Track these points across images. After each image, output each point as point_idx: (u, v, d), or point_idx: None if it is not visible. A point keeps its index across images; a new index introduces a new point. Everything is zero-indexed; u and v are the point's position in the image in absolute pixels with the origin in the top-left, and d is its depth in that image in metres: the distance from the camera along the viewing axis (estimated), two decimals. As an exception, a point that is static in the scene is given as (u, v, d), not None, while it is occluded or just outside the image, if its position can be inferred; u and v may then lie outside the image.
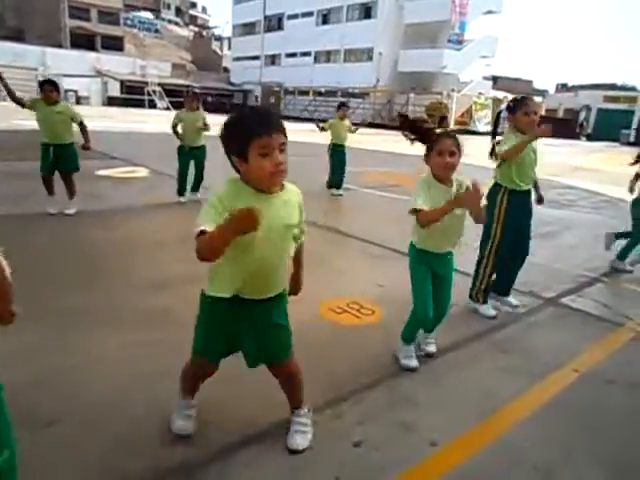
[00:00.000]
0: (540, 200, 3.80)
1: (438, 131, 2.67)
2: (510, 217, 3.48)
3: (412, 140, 2.66)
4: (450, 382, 2.67)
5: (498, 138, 3.54)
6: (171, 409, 2.15)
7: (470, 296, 3.70)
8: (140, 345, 2.76)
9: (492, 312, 3.60)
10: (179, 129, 6.55)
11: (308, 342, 2.96)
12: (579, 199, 9.21)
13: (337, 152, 7.96)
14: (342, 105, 8.09)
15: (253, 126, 1.64)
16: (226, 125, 1.72)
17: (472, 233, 5.66)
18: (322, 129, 8.04)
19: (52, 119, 5.37)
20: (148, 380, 2.43)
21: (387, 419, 2.29)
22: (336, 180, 8.01)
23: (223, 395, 2.35)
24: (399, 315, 3.16)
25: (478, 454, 2.11)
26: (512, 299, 3.78)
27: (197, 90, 42.59)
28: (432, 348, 2.94)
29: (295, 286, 2.19)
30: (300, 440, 2.05)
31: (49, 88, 5.37)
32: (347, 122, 7.98)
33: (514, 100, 3.50)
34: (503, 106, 3.72)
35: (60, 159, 5.52)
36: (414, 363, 2.76)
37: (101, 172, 8.42)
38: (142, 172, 8.92)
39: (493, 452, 2.13)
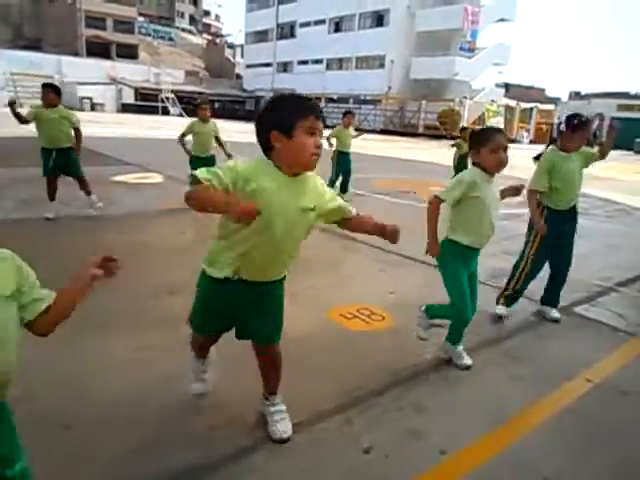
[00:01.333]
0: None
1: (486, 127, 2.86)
2: (548, 235, 3.48)
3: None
4: (460, 390, 2.65)
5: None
6: (184, 412, 2.16)
7: (497, 298, 3.73)
8: (153, 349, 2.78)
9: (503, 312, 3.63)
10: (190, 138, 6.57)
11: (318, 347, 2.98)
12: (593, 207, 9.11)
13: (342, 160, 8.02)
14: (347, 113, 8.19)
15: (307, 105, 1.74)
16: (276, 99, 1.80)
17: (492, 249, 5.69)
18: (328, 141, 8.03)
19: (51, 122, 5.40)
20: (160, 384, 2.45)
21: (396, 426, 2.28)
22: (342, 186, 8.06)
23: (231, 398, 2.36)
24: (409, 322, 3.17)
25: (488, 463, 2.09)
26: (555, 312, 3.72)
27: (210, 97, 43.17)
28: (468, 360, 2.87)
29: (382, 229, 2.17)
30: (284, 427, 2.11)
31: (48, 90, 5.43)
32: (352, 130, 8.12)
33: (578, 118, 3.42)
34: (563, 118, 3.72)
35: (67, 165, 5.59)
36: (469, 360, 2.85)
37: (115, 178, 8.52)
38: (156, 178, 9.01)
39: (503, 461, 2.11)
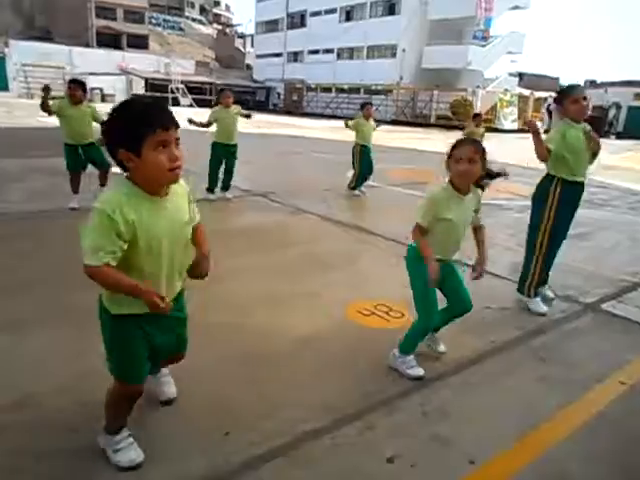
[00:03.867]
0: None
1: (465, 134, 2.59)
2: (563, 207, 3.41)
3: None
4: (487, 392, 2.51)
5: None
6: (194, 414, 2.05)
7: (520, 290, 3.63)
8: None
9: (544, 308, 3.51)
10: (215, 127, 6.50)
11: (336, 346, 2.86)
12: (612, 199, 8.85)
13: (364, 154, 7.65)
14: (366, 104, 7.83)
15: (150, 115, 1.52)
16: (118, 109, 1.55)
17: (502, 234, 5.53)
18: (347, 125, 7.85)
19: (76, 119, 5.37)
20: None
21: (421, 432, 2.16)
22: (360, 181, 7.79)
23: (243, 404, 2.25)
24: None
25: (520, 473, 1.96)
26: (548, 291, 3.71)
27: (220, 87, 42.99)
28: (442, 347, 2.82)
29: (200, 268, 1.83)
30: (173, 389, 2.20)
31: (73, 87, 5.37)
32: (372, 122, 7.74)
33: (560, 91, 3.43)
34: (550, 100, 3.64)
35: (93, 159, 5.57)
36: (421, 371, 2.59)
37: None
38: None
39: (536, 470, 1.98)
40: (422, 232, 2.48)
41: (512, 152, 14.89)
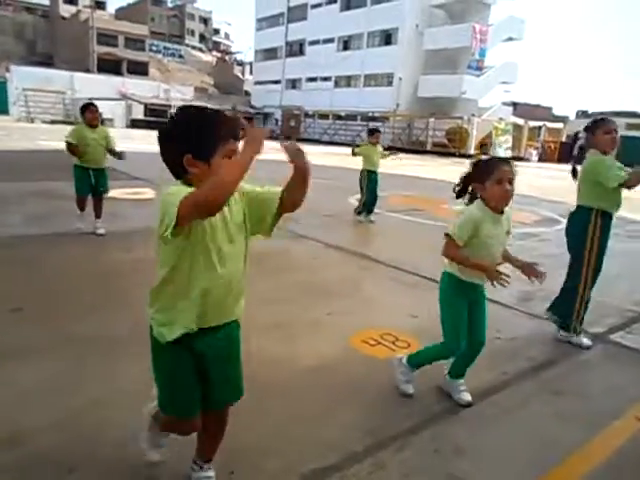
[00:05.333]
0: None
1: (486, 157, 2.53)
2: (604, 240, 3.38)
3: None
4: (500, 428, 2.42)
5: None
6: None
7: (566, 327, 3.50)
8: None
9: (589, 342, 3.44)
10: None
11: (342, 378, 2.77)
12: (613, 227, 8.86)
13: (371, 179, 7.63)
14: (374, 131, 7.82)
15: (226, 127, 1.48)
16: (189, 114, 1.50)
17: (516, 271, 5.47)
18: (354, 153, 7.81)
19: (93, 143, 5.33)
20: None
21: (436, 471, 2.05)
22: (369, 206, 7.75)
23: (248, 440, 2.15)
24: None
25: (542, 517, 1.86)
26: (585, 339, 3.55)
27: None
28: (468, 397, 2.61)
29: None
30: None
31: (93, 109, 5.36)
32: (380, 148, 7.75)
33: (593, 121, 3.41)
34: (580, 128, 3.60)
35: (98, 182, 5.51)
36: (411, 389, 2.61)
37: (123, 192, 8.39)
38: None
39: (558, 514, 1.88)
40: (457, 247, 2.40)
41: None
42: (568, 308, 3.49)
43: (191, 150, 1.44)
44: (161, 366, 1.64)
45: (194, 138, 1.44)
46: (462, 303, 2.49)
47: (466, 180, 2.53)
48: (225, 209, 1.51)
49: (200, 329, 1.56)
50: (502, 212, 2.44)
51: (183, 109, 1.54)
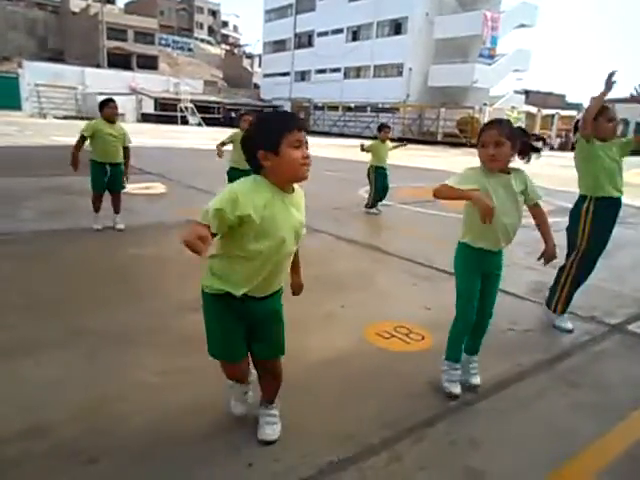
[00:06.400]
0: None
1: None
2: (597, 227, 3.37)
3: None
4: (516, 420, 2.40)
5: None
6: (218, 445, 1.97)
7: (548, 304, 3.57)
8: (180, 372, 2.60)
9: (569, 325, 3.45)
10: (230, 147, 6.36)
11: (356, 371, 2.77)
12: (628, 216, 8.71)
13: (379, 174, 7.63)
14: (383, 126, 7.78)
15: (288, 119, 1.78)
16: (258, 120, 1.85)
17: (520, 252, 5.42)
18: (362, 149, 7.78)
19: (110, 138, 5.36)
20: (192, 411, 2.26)
21: (452, 463, 2.05)
22: (375, 199, 7.75)
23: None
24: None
25: (559, 509, 1.85)
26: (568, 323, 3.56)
27: (228, 107, 43.43)
28: (477, 380, 2.64)
29: (299, 287, 2.19)
30: (270, 431, 2.09)
31: (113, 105, 5.36)
32: (389, 143, 7.74)
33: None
34: (580, 115, 3.60)
35: (113, 178, 5.53)
36: (457, 389, 2.55)
37: (136, 187, 8.45)
38: (176, 187, 8.92)
39: (575, 506, 1.87)
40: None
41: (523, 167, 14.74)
42: (555, 284, 3.57)
43: (262, 145, 1.72)
44: (209, 314, 1.92)
45: (263, 134, 1.74)
46: (475, 273, 2.50)
47: None
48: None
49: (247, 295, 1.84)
50: (509, 172, 2.40)
51: (257, 115, 1.90)
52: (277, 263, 1.82)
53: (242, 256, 1.76)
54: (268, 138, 1.71)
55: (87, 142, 5.37)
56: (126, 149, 5.57)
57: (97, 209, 5.57)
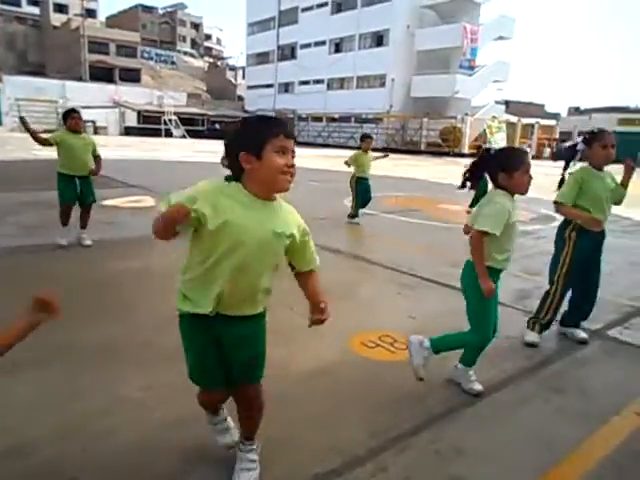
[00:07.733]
0: None
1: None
2: (578, 256, 3.34)
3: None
4: (500, 427, 2.42)
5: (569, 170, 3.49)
6: (201, 462, 1.94)
7: (528, 323, 3.52)
8: (162, 388, 2.56)
9: (535, 339, 3.42)
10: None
11: (342, 381, 2.77)
12: (607, 222, 8.89)
13: (362, 184, 7.65)
14: (365, 137, 7.82)
15: (275, 124, 1.67)
16: (244, 120, 1.75)
17: (512, 268, 5.48)
18: (347, 164, 7.80)
19: (79, 150, 5.25)
20: (173, 428, 2.23)
21: (437, 473, 2.05)
22: (357, 209, 7.77)
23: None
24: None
25: (544, 515, 1.86)
26: (581, 333, 3.54)
27: (212, 119, 43.34)
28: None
29: (318, 311, 1.97)
30: (246, 479, 1.91)
31: (77, 116, 5.26)
32: (371, 154, 7.74)
33: (591, 132, 3.33)
34: (579, 138, 3.64)
35: (84, 191, 5.40)
36: (481, 387, 2.67)
37: (118, 201, 8.38)
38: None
39: (560, 512, 1.88)
40: (480, 240, 2.47)
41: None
42: (539, 308, 3.50)
43: (245, 147, 1.62)
44: (184, 337, 1.82)
45: (248, 135, 1.65)
46: (495, 292, 2.58)
47: (480, 169, 2.65)
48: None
49: (219, 314, 1.71)
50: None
51: (247, 117, 1.78)
52: (239, 269, 1.64)
53: (200, 260, 1.66)
54: (252, 139, 1.62)
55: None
56: (97, 158, 5.40)
57: (65, 223, 5.39)
